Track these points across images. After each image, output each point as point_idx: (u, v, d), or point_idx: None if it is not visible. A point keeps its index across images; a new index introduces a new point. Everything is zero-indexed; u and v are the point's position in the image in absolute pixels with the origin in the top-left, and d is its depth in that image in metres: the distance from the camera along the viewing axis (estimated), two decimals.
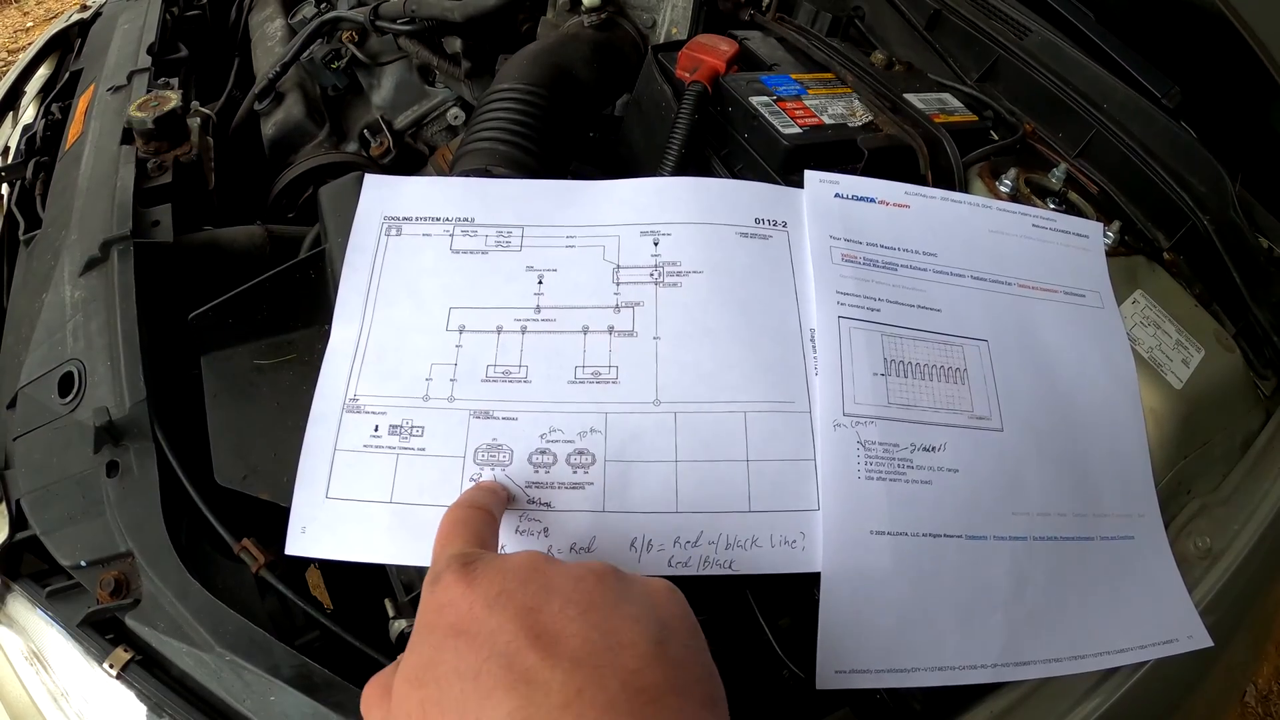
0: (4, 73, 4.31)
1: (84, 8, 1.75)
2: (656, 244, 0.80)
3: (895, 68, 1.11)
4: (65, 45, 1.69)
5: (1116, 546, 0.75)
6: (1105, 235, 0.91)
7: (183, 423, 0.87)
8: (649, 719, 0.43)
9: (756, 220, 0.82)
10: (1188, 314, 0.93)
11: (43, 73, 1.64)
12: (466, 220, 0.83)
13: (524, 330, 0.76)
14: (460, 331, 0.76)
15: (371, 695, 0.51)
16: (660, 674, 0.45)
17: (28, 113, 1.54)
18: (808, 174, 0.85)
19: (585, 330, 0.76)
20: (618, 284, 0.78)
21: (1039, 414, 0.76)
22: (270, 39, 1.61)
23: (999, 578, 0.70)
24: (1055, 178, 0.99)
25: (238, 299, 0.89)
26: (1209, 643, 0.73)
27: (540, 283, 0.79)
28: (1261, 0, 1.13)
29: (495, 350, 0.75)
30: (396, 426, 0.72)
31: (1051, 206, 0.94)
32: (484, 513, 0.60)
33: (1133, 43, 1.27)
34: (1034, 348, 0.80)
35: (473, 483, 0.68)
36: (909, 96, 1.02)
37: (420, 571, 0.72)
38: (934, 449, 0.71)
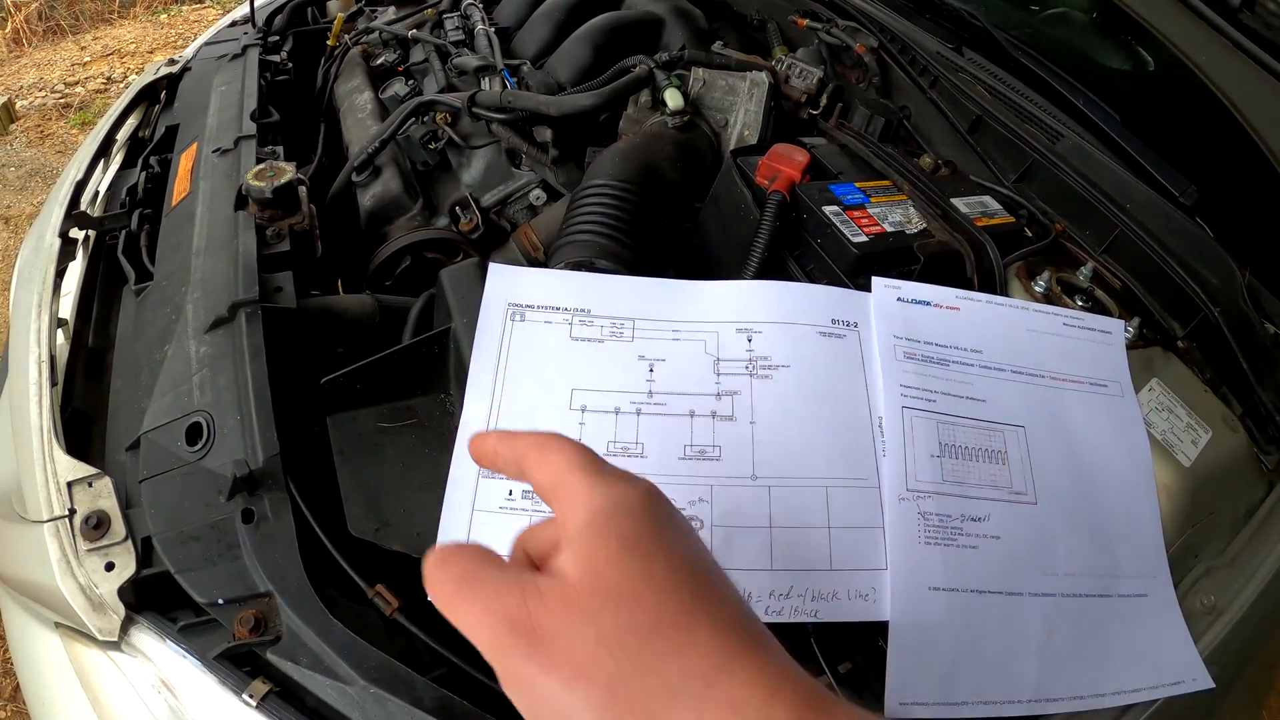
0: (61, 103, 4.48)
1: (171, 61, 1.87)
2: (750, 340, 0.93)
3: (941, 171, 1.25)
4: (152, 97, 1.81)
5: (1132, 603, 0.87)
6: (1126, 331, 1.03)
7: (305, 476, 0.93)
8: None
9: (833, 321, 0.95)
10: (1198, 399, 1.05)
11: (131, 122, 1.75)
12: (583, 311, 0.95)
13: (639, 412, 0.88)
14: (583, 410, 0.88)
15: None
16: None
17: (116, 161, 1.64)
18: (875, 280, 0.98)
19: (692, 414, 0.88)
20: (718, 375, 0.91)
21: (1067, 490, 0.89)
22: (360, 111, 1.72)
23: (1032, 627, 0.82)
24: (1083, 275, 1.12)
25: (369, 367, 0.98)
26: (1210, 685, 0.84)
27: (651, 371, 0.91)
28: (1265, 101, 1.26)
29: (614, 428, 0.87)
30: (529, 492, 0.82)
31: (1080, 304, 1.07)
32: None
33: (1154, 144, 1.40)
34: (1063, 433, 0.92)
35: None
36: (955, 201, 1.16)
37: None
38: (980, 519, 0.84)
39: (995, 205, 1.20)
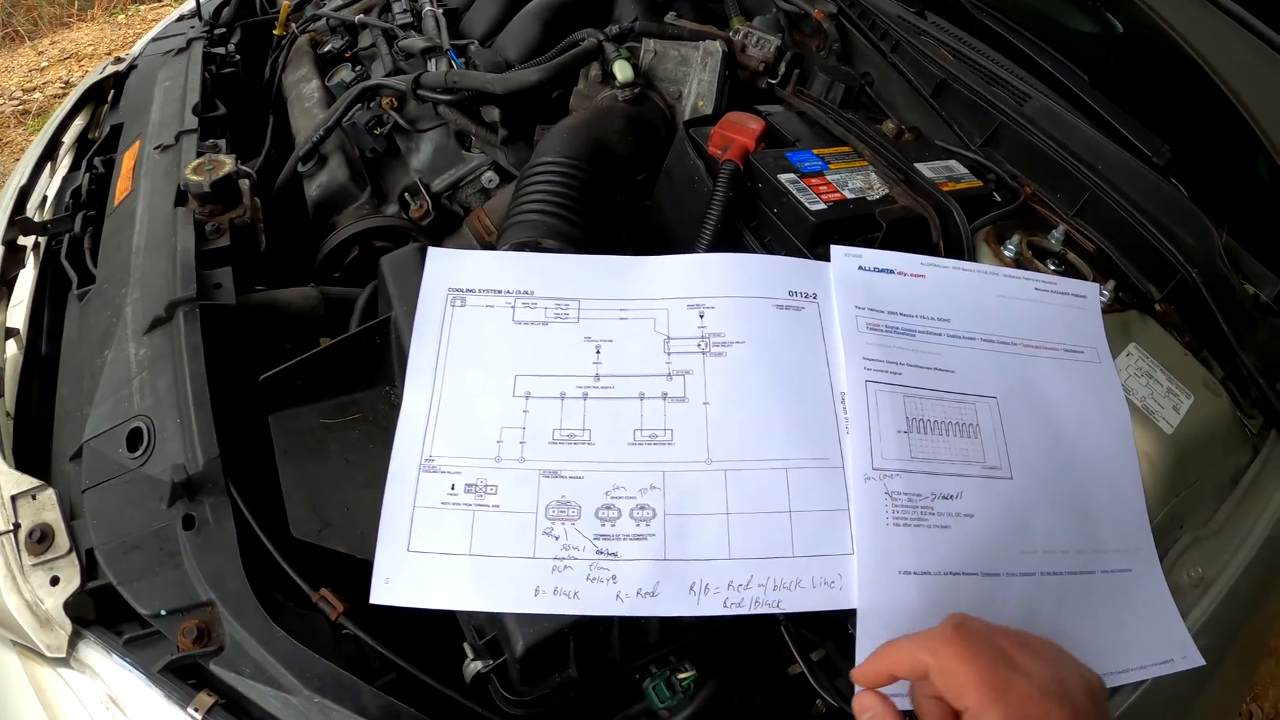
0: (19, 110, 4.40)
1: (118, 60, 1.81)
2: (702, 316, 0.89)
3: (905, 136, 1.21)
4: (99, 97, 1.76)
5: (1116, 579, 0.83)
6: (1101, 294, 0.99)
7: (249, 478, 0.91)
8: None
9: (790, 293, 0.91)
10: (1178, 362, 1.02)
11: (78, 124, 1.69)
12: (526, 293, 0.91)
13: (585, 396, 0.84)
14: (526, 397, 0.84)
15: None
16: None
17: (64, 163, 1.58)
18: (834, 249, 0.93)
19: (641, 396, 0.84)
20: (669, 354, 0.87)
21: (1044, 462, 0.85)
22: (307, 100, 1.68)
23: (1012, 609, 0.78)
24: (1055, 239, 1.08)
25: (307, 362, 0.95)
26: (1201, 662, 0.81)
27: (598, 352, 0.87)
28: (1238, 57, 1.22)
29: (560, 414, 0.83)
30: (472, 485, 0.79)
31: (1052, 268, 1.03)
32: None
33: (1125, 104, 1.36)
34: (1038, 402, 0.88)
35: (547, 536, 0.76)
36: (919, 166, 1.12)
37: (490, 617, 0.78)
38: (952, 497, 0.80)
39: (962, 169, 1.16)
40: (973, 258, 1.04)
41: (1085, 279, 1.03)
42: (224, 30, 1.94)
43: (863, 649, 0.74)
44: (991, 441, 0.84)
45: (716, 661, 0.84)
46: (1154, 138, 1.30)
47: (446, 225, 1.47)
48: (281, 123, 1.72)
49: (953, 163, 1.17)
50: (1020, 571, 0.79)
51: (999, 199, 1.16)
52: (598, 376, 0.86)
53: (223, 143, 1.39)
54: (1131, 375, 0.96)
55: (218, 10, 2.01)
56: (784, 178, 1.04)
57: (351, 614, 0.82)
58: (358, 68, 1.78)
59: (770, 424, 0.83)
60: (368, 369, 0.98)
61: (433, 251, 0.95)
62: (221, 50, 1.79)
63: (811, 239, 1.00)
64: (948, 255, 1.03)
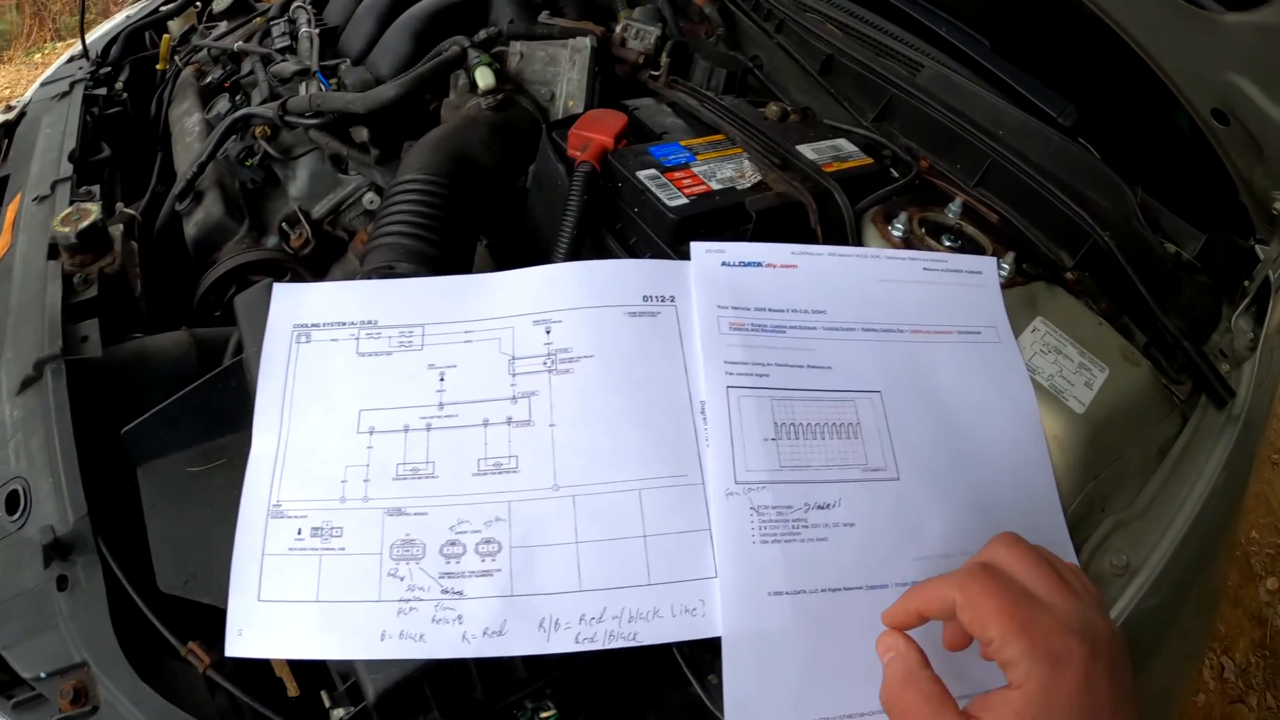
0: None
1: (8, 108, 1.75)
2: (549, 332, 0.83)
3: (790, 118, 1.14)
4: None
5: None
6: (1000, 268, 0.93)
7: (127, 531, 0.89)
8: None
9: (645, 298, 0.84)
10: (1092, 334, 0.95)
11: None
12: (371, 323, 0.86)
13: (429, 427, 0.79)
14: (370, 433, 0.79)
15: None
16: None
17: None
18: (693, 245, 0.87)
19: (485, 423, 0.79)
20: (514, 375, 0.81)
21: (937, 457, 0.78)
22: (189, 134, 1.61)
23: None
24: (951, 212, 1.01)
25: (166, 411, 0.92)
26: None
27: (442, 379, 0.82)
28: (1145, 10, 1.16)
29: (404, 448, 0.78)
30: (318, 529, 0.75)
31: (947, 244, 0.96)
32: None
33: (1029, 67, 1.30)
34: (930, 392, 0.82)
35: (391, 577, 0.72)
36: (801, 148, 1.05)
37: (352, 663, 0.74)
38: (828, 506, 0.74)
39: (850, 148, 1.09)
40: (858, 242, 0.97)
41: (984, 253, 0.97)
42: (110, 69, 1.87)
43: (730, 680, 0.68)
44: (874, 440, 0.78)
45: (585, 695, 0.81)
46: (1059, 98, 1.25)
47: (332, 252, 1.42)
48: (169, 159, 1.65)
49: (841, 141, 1.10)
50: (912, 580, 0.72)
51: (896, 175, 1.09)
52: (441, 405, 0.81)
53: (96, 189, 1.34)
54: (1037, 353, 0.90)
55: (107, 48, 1.95)
56: (643, 174, 0.97)
57: (225, 664, 0.78)
58: (237, 97, 1.71)
59: (621, 443, 0.77)
60: (231, 412, 0.94)
61: (278, 288, 0.91)
62: (104, 90, 1.74)
63: (673, 237, 0.93)
64: (829, 241, 0.96)
